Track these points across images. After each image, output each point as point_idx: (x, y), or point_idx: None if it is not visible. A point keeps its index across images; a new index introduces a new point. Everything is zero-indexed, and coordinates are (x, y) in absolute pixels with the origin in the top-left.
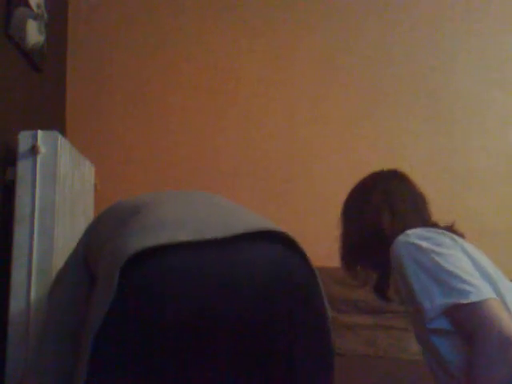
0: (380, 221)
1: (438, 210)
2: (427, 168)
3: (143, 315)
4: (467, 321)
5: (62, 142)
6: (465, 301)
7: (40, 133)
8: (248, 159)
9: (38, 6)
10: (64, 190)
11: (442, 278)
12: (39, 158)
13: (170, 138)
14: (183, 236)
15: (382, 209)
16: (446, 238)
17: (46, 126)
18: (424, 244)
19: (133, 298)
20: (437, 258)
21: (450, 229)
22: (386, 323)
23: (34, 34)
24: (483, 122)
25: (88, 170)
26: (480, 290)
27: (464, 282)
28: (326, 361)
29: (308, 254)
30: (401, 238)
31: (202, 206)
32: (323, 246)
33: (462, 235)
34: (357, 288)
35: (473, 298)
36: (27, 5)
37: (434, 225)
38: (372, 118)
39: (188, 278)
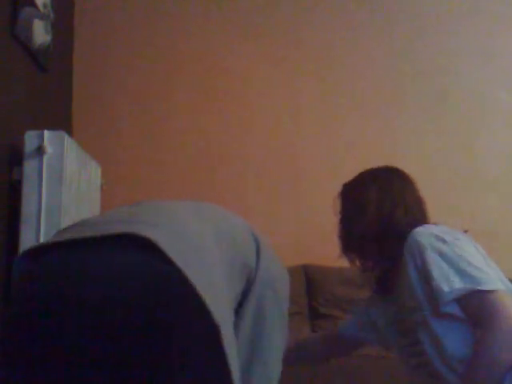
0: (395, 214)
1: (441, 210)
2: (432, 168)
3: (20, 301)
4: (480, 307)
5: (69, 142)
6: (482, 287)
7: (46, 133)
8: (253, 159)
9: (45, 6)
10: (70, 190)
11: (462, 267)
12: (45, 158)
13: (176, 137)
14: (68, 235)
15: (399, 203)
16: (462, 235)
17: (52, 126)
18: (446, 236)
19: (17, 288)
20: (457, 250)
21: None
22: None
23: (40, 33)
24: (489, 122)
25: (94, 169)
26: (494, 281)
27: (481, 271)
28: None
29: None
30: (421, 229)
31: (134, 210)
32: (327, 247)
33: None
34: (361, 287)
35: (488, 287)
36: (33, 5)
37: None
38: (378, 117)
39: (51, 272)
